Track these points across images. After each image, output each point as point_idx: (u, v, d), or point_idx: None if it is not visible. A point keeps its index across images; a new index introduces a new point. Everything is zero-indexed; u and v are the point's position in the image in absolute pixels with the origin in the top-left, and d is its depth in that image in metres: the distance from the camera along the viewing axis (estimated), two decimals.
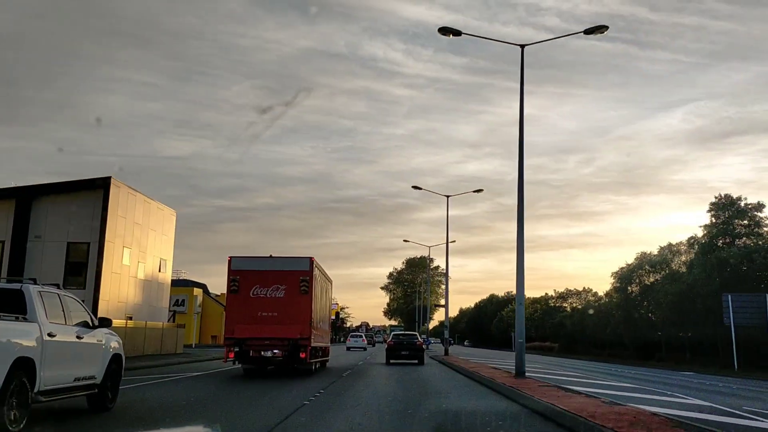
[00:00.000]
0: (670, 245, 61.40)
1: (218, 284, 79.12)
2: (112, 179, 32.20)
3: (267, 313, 20.56)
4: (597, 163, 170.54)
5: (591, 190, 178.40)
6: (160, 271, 40.00)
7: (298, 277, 20.98)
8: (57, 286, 10.67)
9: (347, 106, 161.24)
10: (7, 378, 7.97)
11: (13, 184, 34.71)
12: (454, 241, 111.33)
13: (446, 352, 46.20)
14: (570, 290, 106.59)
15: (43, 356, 8.88)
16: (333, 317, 69.08)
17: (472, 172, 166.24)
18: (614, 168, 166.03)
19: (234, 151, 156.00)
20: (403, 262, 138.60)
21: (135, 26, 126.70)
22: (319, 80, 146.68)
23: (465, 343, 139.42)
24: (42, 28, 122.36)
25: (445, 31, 21.24)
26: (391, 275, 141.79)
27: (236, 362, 20.84)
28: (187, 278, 72.05)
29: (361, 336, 69.78)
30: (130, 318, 34.38)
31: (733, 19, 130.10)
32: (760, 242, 48.20)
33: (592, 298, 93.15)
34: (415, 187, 46.28)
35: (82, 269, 31.97)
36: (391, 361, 32.55)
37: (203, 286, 71.43)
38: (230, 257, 21.28)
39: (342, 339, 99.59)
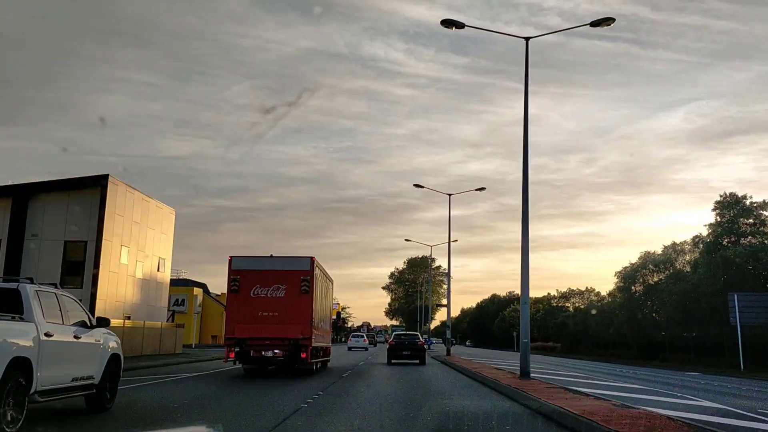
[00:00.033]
0: (674, 244, 61.00)
1: (219, 284, 79.01)
2: (109, 177, 31.86)
3: (268, 312, 20.43)
4: (598, 162, 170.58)
5: (592, 190, 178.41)
6: (158, 270, 39.62)
7: (298, 277, 20.83)
8: (54, 285, 10.61)
9: (348, 106, 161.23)
10: (3, 378, 7.98)
11: (10, 183, 34.45)
12: (456, 240, 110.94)
13: (448, 352, 46.02)
14: (572, 290, 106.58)
15: (40, 356, 8.87)
16: (334, 317, 68.68)
17: (473, 172, 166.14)
18: (616, 168, 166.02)
19: (235, 151, 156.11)
20: (405, 262, 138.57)
21: (135, 26, 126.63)
22: (320, 80, 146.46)
23: (467, 343, 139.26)
24: (42, 28, 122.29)
25: (448, 23, 20.81)
26: (392, 275, 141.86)
27: (237, 362, 20.72)
28: (187, 278, 71.73)
29: (362, 336, 69.57)
30: (128, 318, 34.06)
31: (735, 19, 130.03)
32: (766, 241, 47.82)
33: (595, 298, 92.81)
34: (416, 186, 46.11)
35: (79, 268, 31.62)
36: (393, 361, 32.41)
37: (203, 286, 71.15)
38: (231, 257, 21.18)
39: (343, 339, 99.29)
